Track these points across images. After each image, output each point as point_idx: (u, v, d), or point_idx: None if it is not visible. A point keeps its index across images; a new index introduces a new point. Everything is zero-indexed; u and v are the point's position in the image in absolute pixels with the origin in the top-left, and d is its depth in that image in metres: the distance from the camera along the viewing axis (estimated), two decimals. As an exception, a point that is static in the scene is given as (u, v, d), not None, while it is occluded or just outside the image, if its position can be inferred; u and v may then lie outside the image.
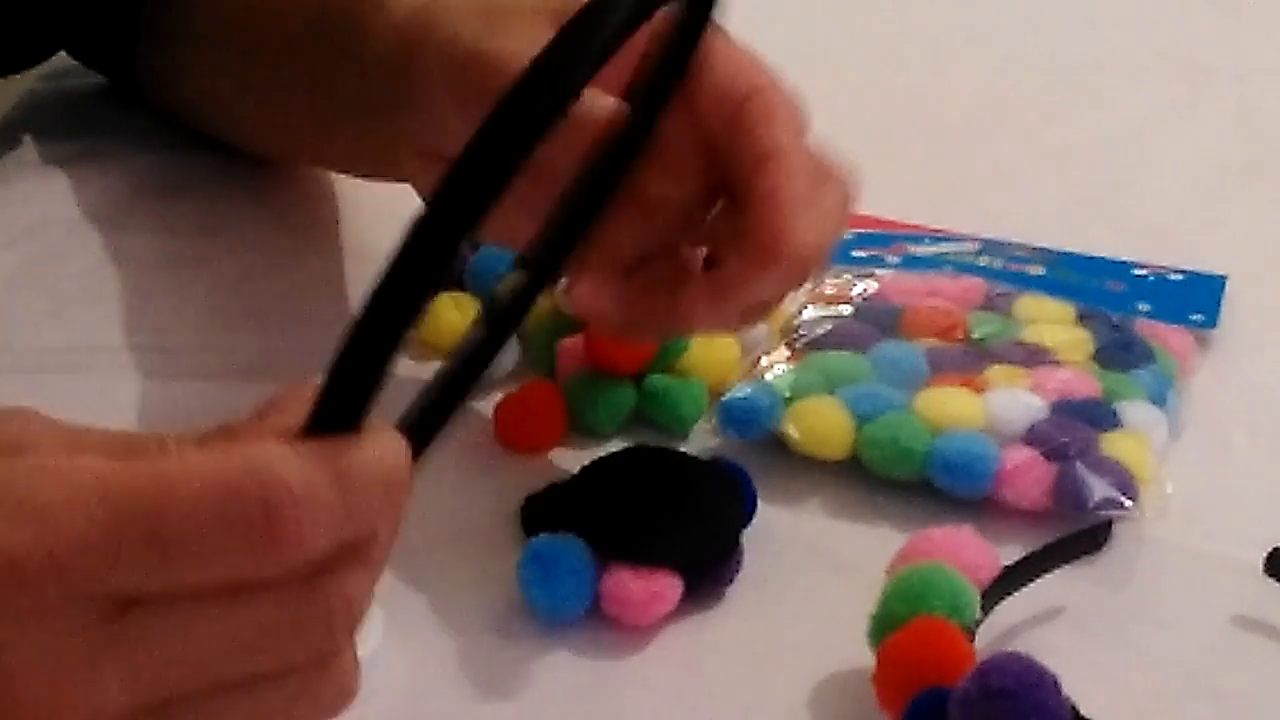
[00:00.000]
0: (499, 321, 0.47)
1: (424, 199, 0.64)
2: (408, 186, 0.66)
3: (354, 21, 0.67)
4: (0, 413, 0.43)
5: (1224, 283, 0.78)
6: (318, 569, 0.40)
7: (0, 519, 0.38)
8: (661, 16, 0.45)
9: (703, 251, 0.63)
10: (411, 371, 0.71)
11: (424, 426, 0.43)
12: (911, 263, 0.78)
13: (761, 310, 0.63)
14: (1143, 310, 0.75)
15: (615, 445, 0.66)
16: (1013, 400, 0.67)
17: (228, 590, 0.39)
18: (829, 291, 0.75)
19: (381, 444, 0.40)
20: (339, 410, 0.40)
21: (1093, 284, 0.77)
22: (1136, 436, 0.66)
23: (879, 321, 0.72)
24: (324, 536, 0.39)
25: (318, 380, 0.40)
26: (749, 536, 0.61)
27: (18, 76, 0.86)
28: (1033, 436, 0.65)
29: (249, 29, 0.75)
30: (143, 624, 0.39)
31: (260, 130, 0.78)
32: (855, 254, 0.79)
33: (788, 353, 0.70)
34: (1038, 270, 0.78)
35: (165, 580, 0.39)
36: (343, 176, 0.81)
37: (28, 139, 0.84)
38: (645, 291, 0.62)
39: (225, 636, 0.40)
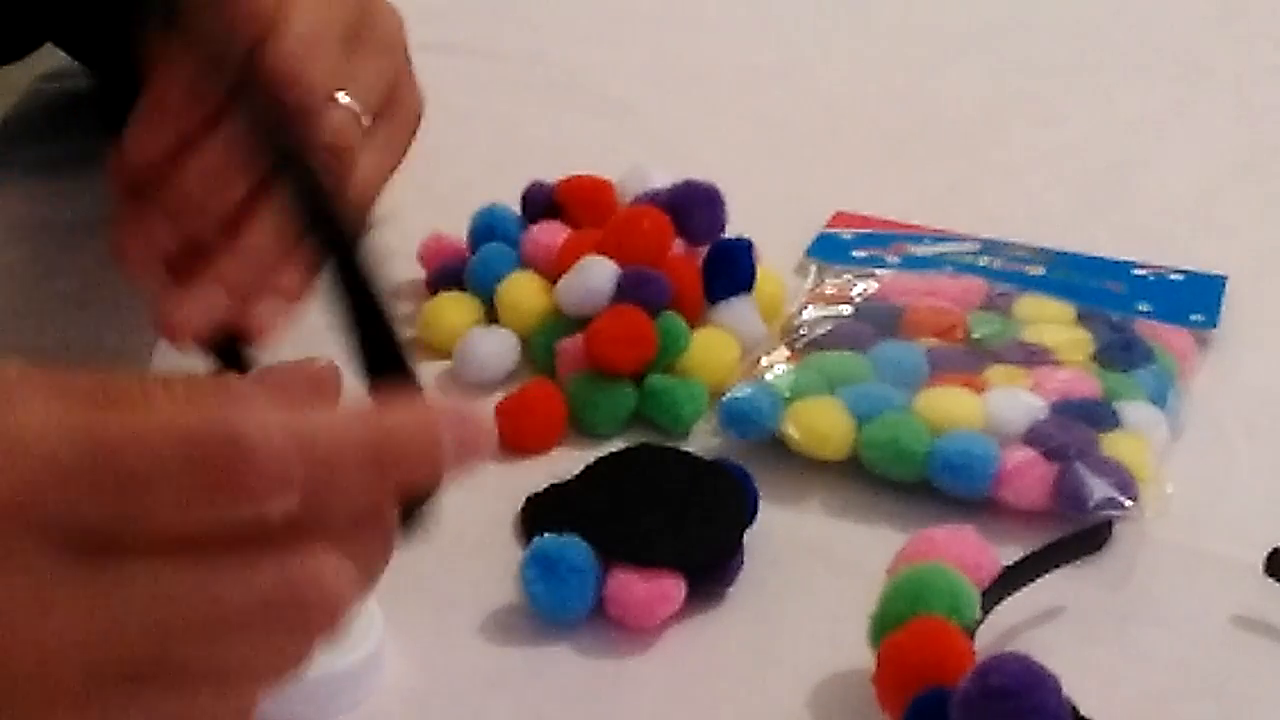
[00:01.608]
0: None
1: None
2: (410, 184, 0.66)
3: None
4: None
5: (1224, 283, 0.78)
6: (287, 538, 0.40)
7: None
8: None
9: None
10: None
11: None
12: (911, 263, 0.78)
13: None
14: (1143, 310, 0.75)
15: (615, 445, 0.66)
16: (1013, 400, 0.67)
17: (195, 545, 0.39)
18: (829, 291, 0.75)
19: (360, 416, 0.41)
20: None
21: (1093, 284, 0.77)
22: (1136, 436, 0.66)
23: (879, 321, 0.72)
24: (283, 489, 0.39)
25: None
26: (749, 537, 0.61)
27: (17, 76, 0.86)
28: (1033, 436, 0.65)
29: None
30: (107, 573, 0.39)
31: None
32: (855, 254, 0.79)
33: (788, 353, 0.70)
34: (1038, 270, 0.78)
35: (125, 517, 0.39)
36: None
37: (28, 139, 0.84)
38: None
39: (190, 598, 0.39)
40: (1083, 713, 0.51)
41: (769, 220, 0.77)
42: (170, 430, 0.39)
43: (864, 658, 0.54)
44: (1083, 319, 0.73)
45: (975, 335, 0.72)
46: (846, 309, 0.73)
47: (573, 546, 0.58)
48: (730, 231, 0.74)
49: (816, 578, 0.62)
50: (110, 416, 0.39)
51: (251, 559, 0.40)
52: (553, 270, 0.73)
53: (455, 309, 0.73)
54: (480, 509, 0.64)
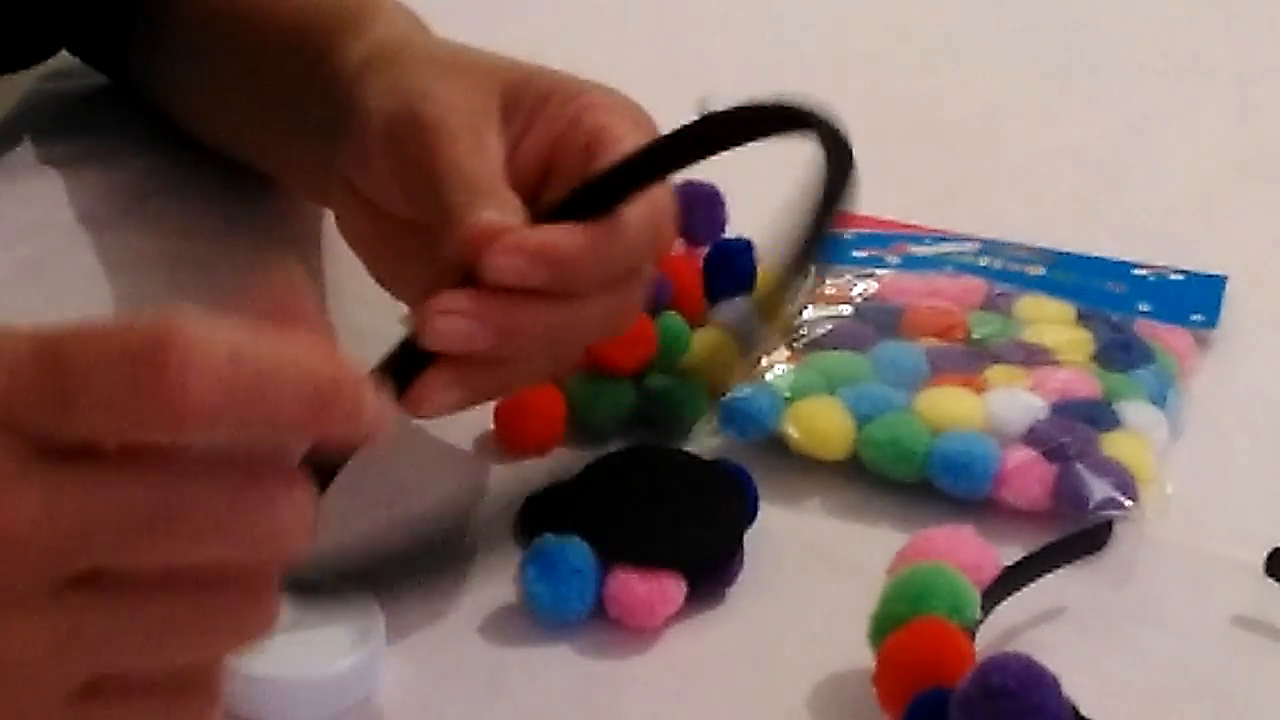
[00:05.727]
0: None
1: (342, 233, 0.65)
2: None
3: (327, 40, 0.66)
4: None
5: (1224, 283, 0.78)
6: (237, 479, 0.41)
7: None
8: None
9: None
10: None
11: None
12: (911, 263, 0.78)
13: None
14: (1143, 310, 0.75)
15: (615, 445, 0.66)
16: (1013, 400, 0.67)
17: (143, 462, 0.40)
18: (829, 291, 0.75)
19: (311, 347, 0.42)
20: None
21: (1093, 284, 0.77)
22: (1136, 437, 0.66)
23: (879, 321, 0.72)
24: (211, 394, 0.39)
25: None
26: (749, 537, 0.61)
27: (17, 76, 0.86)
28: (1033, 436, 0.65)
29: (229, 36, 0.74)
30: (68, 472, 0.40)
31: (225, 135, 0.78)
32: (855, 254, 0.79)
33: (788, 353, 0.70)
34: (1038, 270, 0.78)
35: (71, 418, 0.40)
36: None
37: (28, 139, 0.84)
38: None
39: (148, 498, 0.40)
40: (1083, 713, 0.51)
41: (769, 220, 0.77)
42: (114, 332, 0.40)
43: (864, 658, 0.54)
44: (1083, 319, 0.73)
45: (975, 335, 0.72)
46: (846, 309, 0.73)
47: (573, 546, 0.58)
48: (730, 231, 0.74)
49: (816, 578, 0.62)
50: (73, 330, 0.40)
51: (208, 472, 0.40)
52: (553, 270, 0.72)
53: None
54: (480, 509, 0.64)
